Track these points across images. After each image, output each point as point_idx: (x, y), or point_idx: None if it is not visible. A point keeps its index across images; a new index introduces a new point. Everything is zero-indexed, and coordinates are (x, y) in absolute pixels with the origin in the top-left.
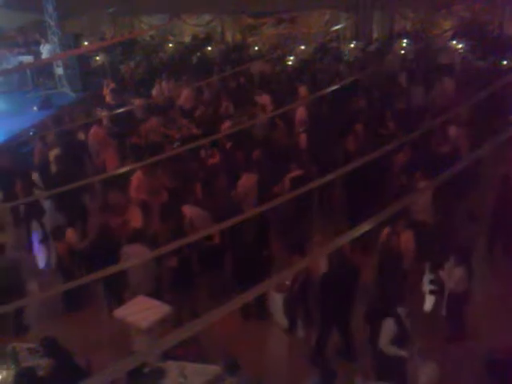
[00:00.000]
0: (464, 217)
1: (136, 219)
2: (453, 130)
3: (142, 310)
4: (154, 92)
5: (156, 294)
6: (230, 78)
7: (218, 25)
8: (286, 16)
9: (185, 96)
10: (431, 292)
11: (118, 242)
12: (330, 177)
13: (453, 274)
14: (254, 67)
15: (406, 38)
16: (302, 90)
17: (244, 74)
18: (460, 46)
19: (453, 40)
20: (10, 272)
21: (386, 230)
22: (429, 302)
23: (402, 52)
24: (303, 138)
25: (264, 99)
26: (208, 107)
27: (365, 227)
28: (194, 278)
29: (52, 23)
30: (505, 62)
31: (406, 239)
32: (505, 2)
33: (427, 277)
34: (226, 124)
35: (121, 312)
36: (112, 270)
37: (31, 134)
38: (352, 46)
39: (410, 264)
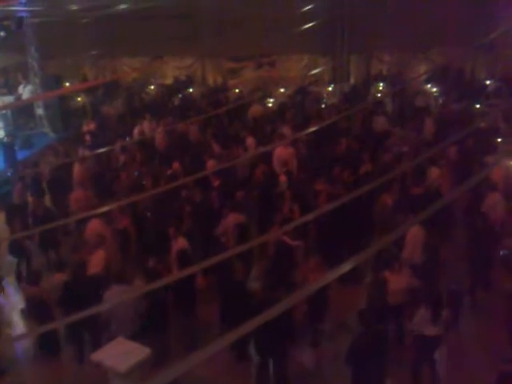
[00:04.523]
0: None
1: (98, 262)
2: (433, 171)
3: (120, 353)
4: (136, 132)
5: (135, 336)
6: (214, 118)
7: (199, 67)
8: (266, 60)
9: (159, 137)
10: None
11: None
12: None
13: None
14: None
15: (382, 82)
16: (284, 131)
17: (228, 115)
18: (435, 89)
19: (428, 83)
20: None
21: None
22: None
23: (379, 95)
24: (283, 179)
25: (248, 141)
26: (193, 147)
27: (350, 264)
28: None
29: (34, 64)
30: (478, 106)
31: (406, 278)
32: (476, 48)
33: None
34: (210, 163)
35: (98, 355)
36: (91, 311)
37: (9, 174)
38: (330, 89)
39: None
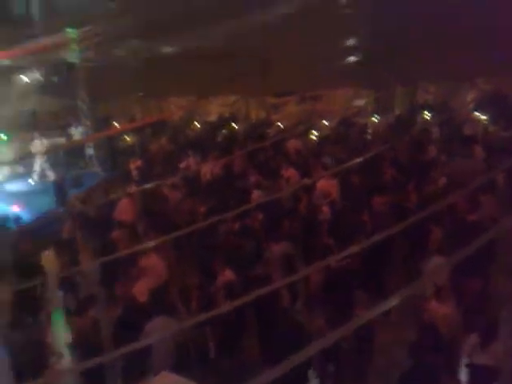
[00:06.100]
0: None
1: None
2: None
3: None
4: (182, 167)
5: (182, 369)
6: (258, 152)
7: (243, 104)
8: (309, 94)
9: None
10: None
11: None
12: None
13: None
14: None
15: (428, 110)
16: (327, 163)
17: (272, 148)
18: (483, 117)
19: (475, 111)
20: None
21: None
22: None
23: (426, 124)
24: (326, 210)
25: (290, 172)
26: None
27: (394, 300)
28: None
29: (84, 107)
30: None
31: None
32: None
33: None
34: (256, 194)
35: None
36: (134, 346)
37: (61, 211)
38: (375, 120)
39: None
